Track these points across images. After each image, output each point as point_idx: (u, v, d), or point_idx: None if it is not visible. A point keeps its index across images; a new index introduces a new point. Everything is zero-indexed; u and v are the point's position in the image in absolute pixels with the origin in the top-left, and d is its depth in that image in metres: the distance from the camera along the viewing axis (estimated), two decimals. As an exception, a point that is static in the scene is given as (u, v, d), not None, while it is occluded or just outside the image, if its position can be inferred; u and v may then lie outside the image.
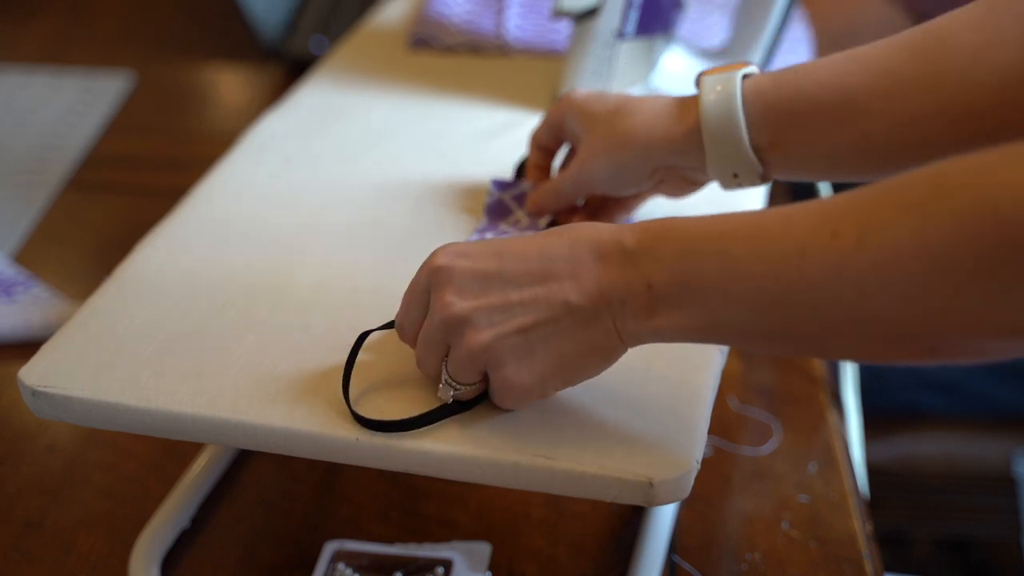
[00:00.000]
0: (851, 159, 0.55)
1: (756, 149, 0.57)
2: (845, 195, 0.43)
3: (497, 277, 0.48)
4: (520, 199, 0.68)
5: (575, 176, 0.64)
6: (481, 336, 0.48)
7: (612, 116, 0.62)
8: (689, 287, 0.45)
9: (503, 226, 0.67)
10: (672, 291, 0.45)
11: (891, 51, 0.54)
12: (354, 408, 0.52)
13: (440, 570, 0.62)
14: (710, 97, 0.57)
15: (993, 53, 0.50)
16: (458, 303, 0.48)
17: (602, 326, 0.47)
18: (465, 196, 0.71)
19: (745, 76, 0.58)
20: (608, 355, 0.49)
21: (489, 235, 0.66)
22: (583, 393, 0.52)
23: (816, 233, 0.42)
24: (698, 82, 0.60)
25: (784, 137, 0.57)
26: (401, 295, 0.60)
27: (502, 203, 0.68)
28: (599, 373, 0.50)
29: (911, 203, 0.40)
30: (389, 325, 0.55)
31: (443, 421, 0.51)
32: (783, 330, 0.44)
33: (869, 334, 0.42)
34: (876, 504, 0.97)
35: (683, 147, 0.59)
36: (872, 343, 0.43)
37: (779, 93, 0.56)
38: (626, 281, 0.46)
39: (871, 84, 0.53)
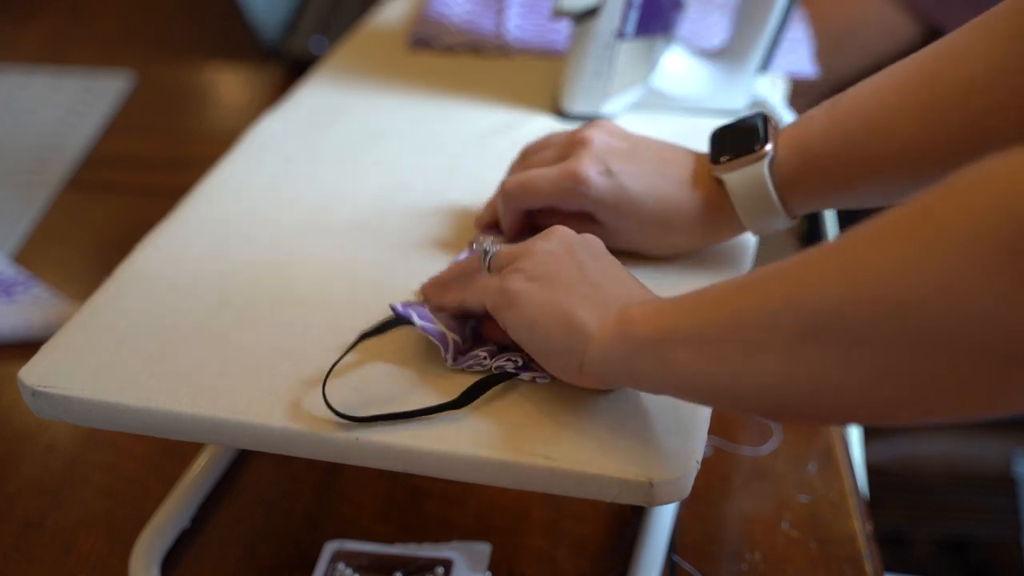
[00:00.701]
0: (888, 200, 0.58)
1: (795, 218, 0.60)
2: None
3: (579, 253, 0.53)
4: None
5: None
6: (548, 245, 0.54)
7: (650, 226, 0.61)
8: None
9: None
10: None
11: (906, 120, 0.55)
12: (334, 406, 0.51)
13: (440, 570, 0.62)
14: (753, 216, 0.60)
15: (1007, 112, 0.51)
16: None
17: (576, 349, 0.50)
18: (465, 196, 0.71)
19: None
20: (570, 352, 0.50)
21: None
22: (583, 393, 0.52)
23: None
24: (718, 168, 0.60)
25: (821, 205, 0.60)
26: (400, 295, 0.60)
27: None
28: (548, 358, 0.51)
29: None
30: (385, 326, 0.56)
31: (443, 421, 0.51)
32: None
33: None
34: (876, 504, 0.97)
35: (726, 237, 0.63)
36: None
37: (811, 184, 0.58)
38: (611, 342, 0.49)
39: (896, 157, 0.55)
